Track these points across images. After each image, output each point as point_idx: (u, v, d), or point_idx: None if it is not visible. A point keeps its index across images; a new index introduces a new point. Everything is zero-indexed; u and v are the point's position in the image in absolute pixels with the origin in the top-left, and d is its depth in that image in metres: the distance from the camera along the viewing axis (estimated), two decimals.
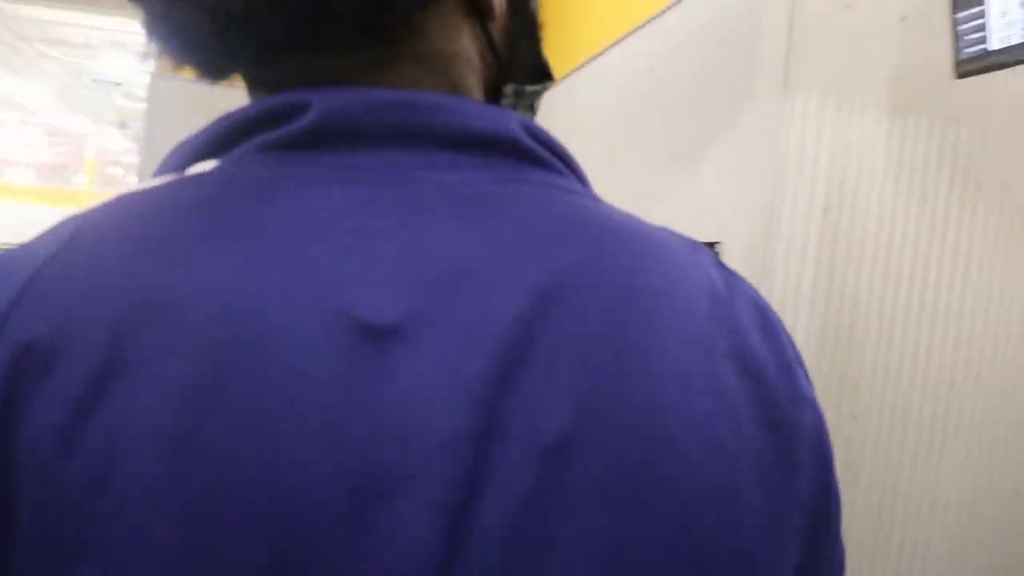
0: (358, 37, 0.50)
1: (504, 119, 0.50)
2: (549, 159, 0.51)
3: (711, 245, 3.22)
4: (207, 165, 0.48)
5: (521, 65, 0.59)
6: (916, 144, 3.20)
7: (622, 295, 0.45)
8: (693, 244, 0.54)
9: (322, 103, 0.47)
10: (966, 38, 2.71)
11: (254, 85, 0.54)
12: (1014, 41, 2.58)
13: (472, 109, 0.50)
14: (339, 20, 0.48)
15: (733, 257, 3.10)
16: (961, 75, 2.79)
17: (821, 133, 3.09)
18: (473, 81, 0.55)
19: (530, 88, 0.60)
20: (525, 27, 0.60)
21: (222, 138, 0.49)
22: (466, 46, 0.54)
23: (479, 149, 0.48)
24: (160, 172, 0.49)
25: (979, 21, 2.67)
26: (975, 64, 2.72)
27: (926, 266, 3.23)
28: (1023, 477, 3.31)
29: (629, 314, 0.44)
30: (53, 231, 0.45)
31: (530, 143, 0.50)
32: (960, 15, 2.74)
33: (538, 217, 0.47)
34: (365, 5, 0.48)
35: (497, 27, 0.57)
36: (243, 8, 0.47)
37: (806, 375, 0.52)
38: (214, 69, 0.52)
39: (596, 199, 0.52)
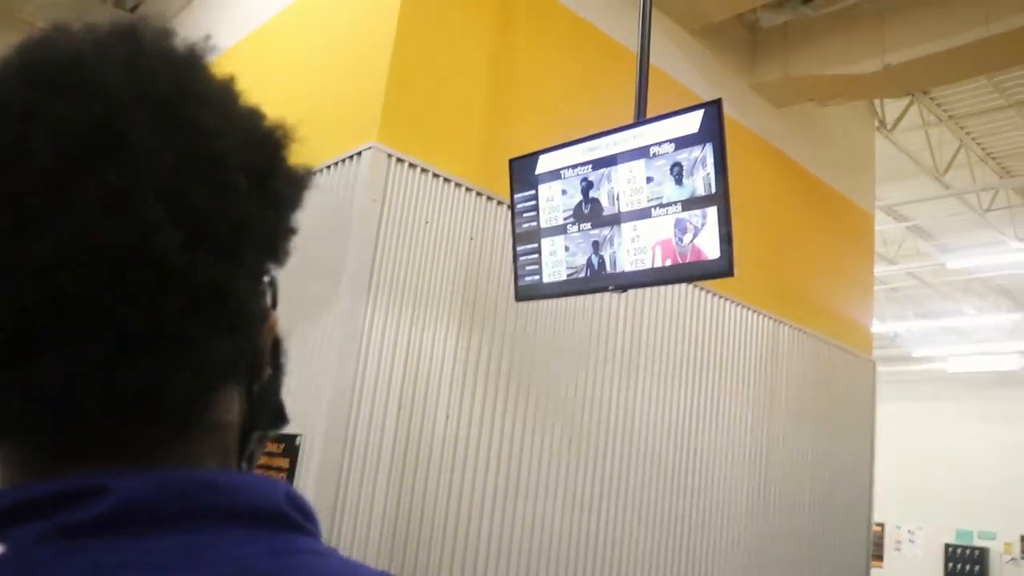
0: (159, 413, 0.54)
1: (275, 493, 0.57)
2: (305, 525, 0.59)
3: (293, 437, 3.25)
4: None
5: (267, 413, 0.67)
6: (480, 351, 3.62)
7: None
8: None
9: (120, 488, 0.50)
10: (526, 268, 3.22)
11: (30, 449, 0.55)
12: (560, 278, 3.13)
13: (251, 485, 0.56)
14: (151, 401, 0.52)
15: (314, 448, 3.15)
16: (520, 299, 3.29)
17: (399, 338, 3.36)
18: (235, 441, 0.62)
19: (271, 432, 0.68)
20: (276, 380, 0.67)
21: (3, 513, 0.50)
22: (237, 411, 0.61)
23: (257, 523, 0.55)
24: None
25: (534, 256, 3.19)
26: (531, 292, 3.23)
27: (487, 458, 3.60)
28: None
29: None
30: None
31: (294, 515, 0.57)
32: (520, 249, 3.25)
33: None
34: (180, 390, 0.53)
35: (258, 386, 0.64)
36: (59, 385, 0.49)
37: None
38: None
39: (333, 553, 0.60)
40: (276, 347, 0.67)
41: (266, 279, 0.63)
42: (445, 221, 3.52)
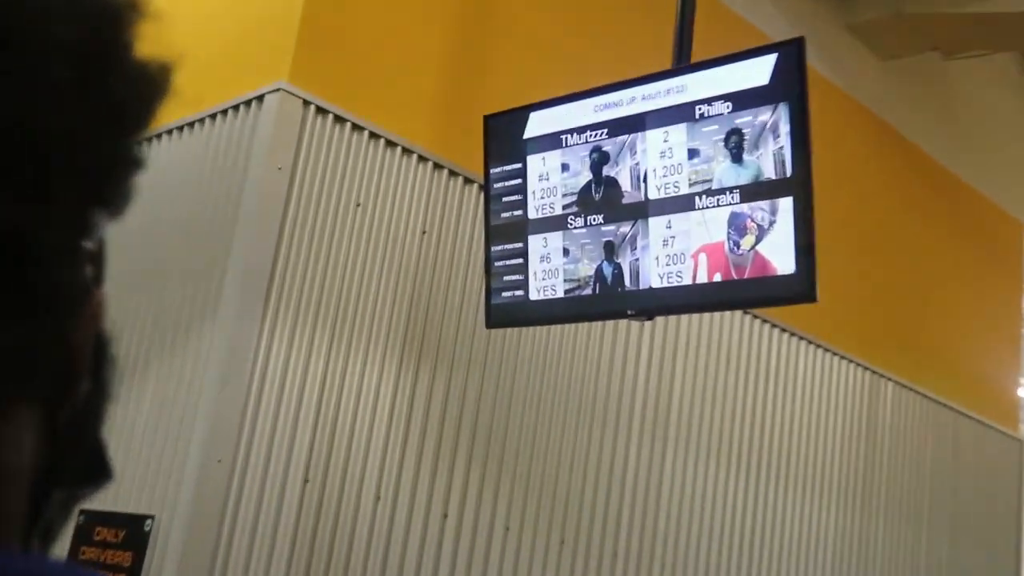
0: None
1: None
2: None
3: (140, 520, 3.23)
4: None
5: (77, 457, 0.62)
6: (430, 400, 3.51)
7: None
8: None
9: None
10: (504, 279, 3.13)
11: None
12: (555, 295, 3.06)
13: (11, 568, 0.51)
14: None
15: (172, 539, 3.12)
16: (493, 325, 3.22)
17: (309, 375, 3.28)
18: (23, 503, 0.56)
19: (83, 491, 0.64)
20: (96, 405, 0.63)
21: None
22: (28, 451, 0.56)
23: None
24: None
25: (518, 261, 3.12)
26: (510, 315, 3.16)
27: (435, 563, 3.53)
28: None
29: None
30: None
31: None
32: (496, 250, 3.18)
33: None
34: None
35: (69, 409, 0.59)
36: None
37: None
38: None
39: None
40: (100, 350, 0.62)
41: (88, 242, 0.58)
42: (386, 204, 3.49)
